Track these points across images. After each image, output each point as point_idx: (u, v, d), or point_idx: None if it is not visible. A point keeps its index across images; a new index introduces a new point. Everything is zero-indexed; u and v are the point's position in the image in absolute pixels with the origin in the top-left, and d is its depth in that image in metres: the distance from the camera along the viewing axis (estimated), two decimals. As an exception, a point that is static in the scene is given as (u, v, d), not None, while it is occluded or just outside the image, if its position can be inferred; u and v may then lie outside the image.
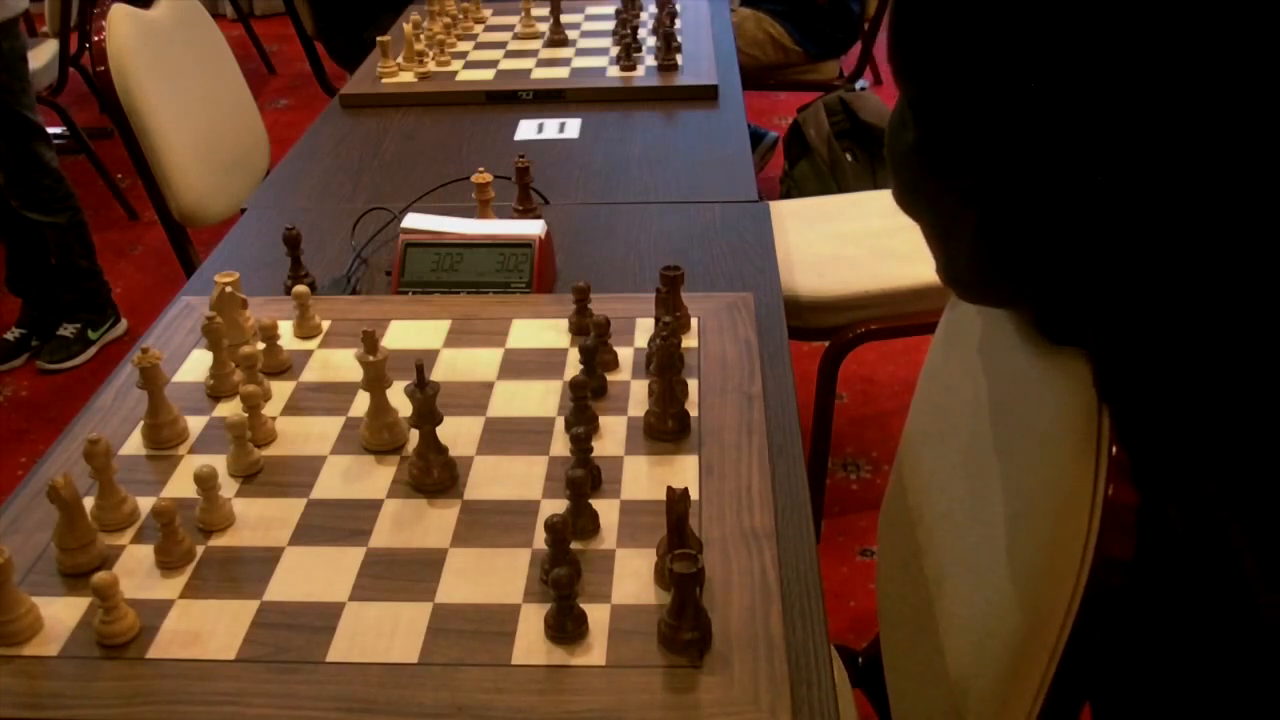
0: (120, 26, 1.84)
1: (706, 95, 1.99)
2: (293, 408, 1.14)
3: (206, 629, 0.87)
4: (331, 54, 3.43)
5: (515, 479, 1.02)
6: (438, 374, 1.18)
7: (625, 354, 1.19)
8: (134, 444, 1.08)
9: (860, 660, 1.35)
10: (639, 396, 1.12)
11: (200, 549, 0.95)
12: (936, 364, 1.13)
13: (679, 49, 2.13)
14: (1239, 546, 0.72)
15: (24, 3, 2.55)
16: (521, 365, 1.19)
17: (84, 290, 2.84)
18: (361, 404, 1.11)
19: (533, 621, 0.86)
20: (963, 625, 0.92)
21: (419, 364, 0.99)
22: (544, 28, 2.27)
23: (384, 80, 2.09)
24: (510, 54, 2.20)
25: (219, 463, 1.04)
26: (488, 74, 2.10)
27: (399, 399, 1.07)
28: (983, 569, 0.90)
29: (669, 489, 0.85)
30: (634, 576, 0.90)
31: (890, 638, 1.18)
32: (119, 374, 1.20)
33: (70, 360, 2.82)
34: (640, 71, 2.07)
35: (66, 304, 2.86)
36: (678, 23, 2.29)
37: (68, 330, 2.85)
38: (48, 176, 2.65)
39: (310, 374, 1.19)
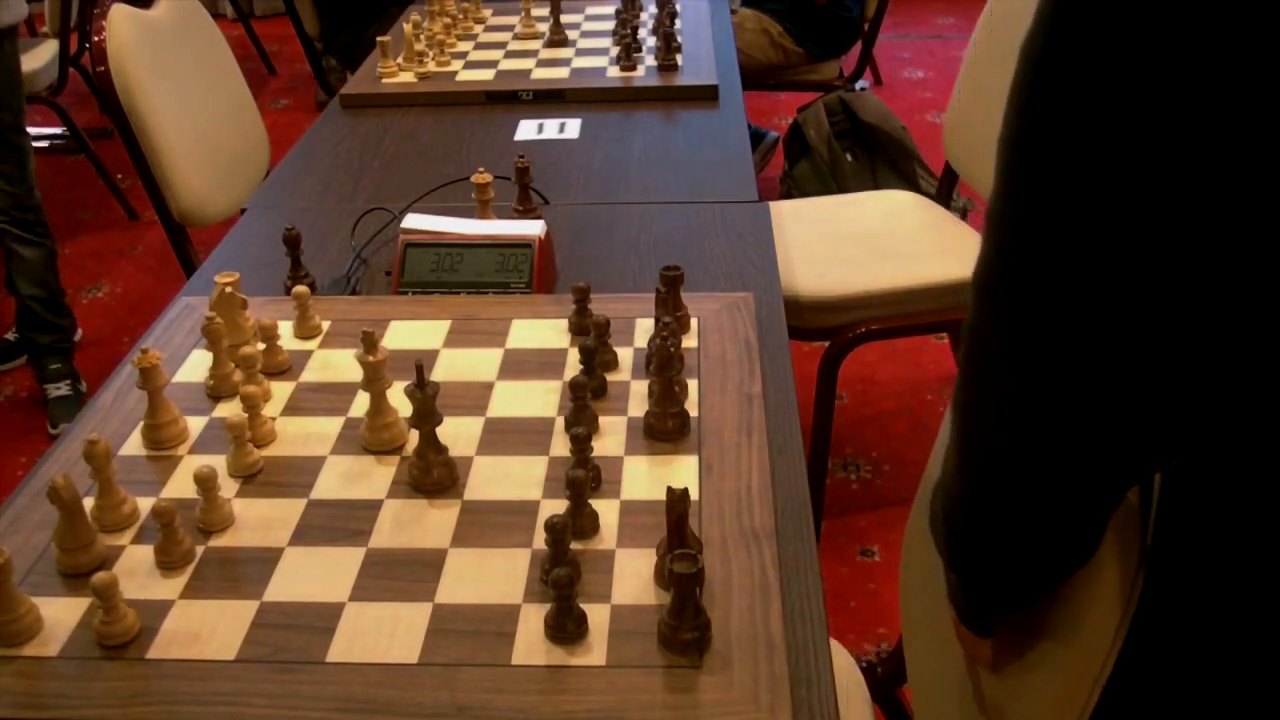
0: (120, 26, 1.84)
1: (706, 95, 1.99)
2: (293, 408, 1.14)
3: (206, 629, 0.87)
4: (333, 53, 3.43)
5: (515, 479, 1.02)
6: (438, 374, 1.18)
7: (625, 354, 1.19)
8: (134, 444, 1.08)
9: (879, 670, 1.32)
10: (639, 396, 1.12)
11: (200, 549, 0.95)
12: None
13: (679, 49, 2.13)
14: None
15: (24, 9, 2.54)
16: (521, 365, 1.19)
17: (56, 327, 2.67)
18: (361, 404, 1.11)
19: (533, 622, 0.86)
20: (1002, 651, 0.90)
21: (419, 364, 0.99)
22: (544, 28, 2.27)
23: (384, 80, 2.09)
24: (510, 54, 2.20)
25: (219, 463, 1.04)
26: (488, 74, 2.10)
27: (399, 399, 1.07)
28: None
29: (669, 489, 0.85)
30: (634, 576, 0.90)
31: (918, 660, 1.15)
32: (119, 374, 1.20)
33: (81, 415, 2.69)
34: (640, 71, 2.07)
35: (43, 349, 2.68)
36: (678, 23, 2.29)
37: (62, 389, 2.66)
38: (32, 197, 2.56)
39: (310, 374, 1.19)
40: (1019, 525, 0.74)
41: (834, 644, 1.25)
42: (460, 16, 2.35)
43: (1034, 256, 0.62)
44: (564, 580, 0.82)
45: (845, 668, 1.21)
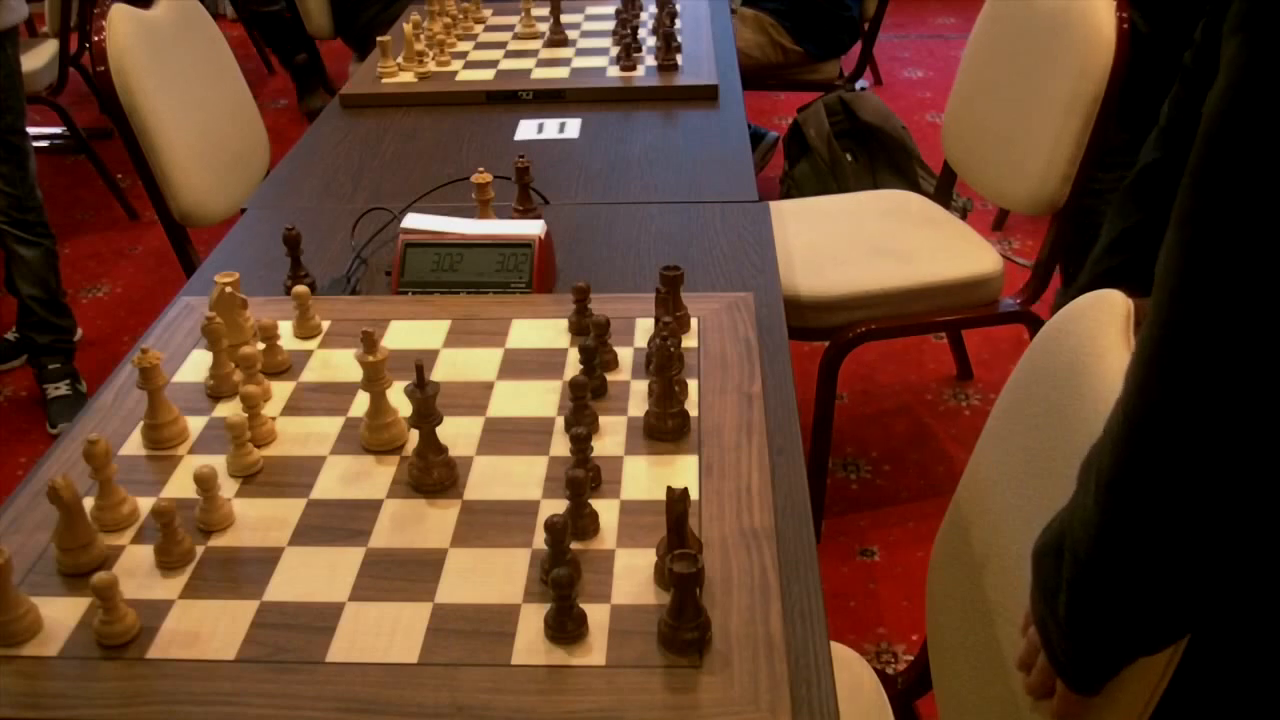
0: (120, 26, 1.84)
1: (706, 95, 1.99)
2: (292, 408, 1.14)
3: (206, 629, 0.87)
4: (346, 39, 3.45)
5: (515, 479, 1.02)
6: (438, 374, 1.18)
7: (625, 354, 1.19)
8: (134, 444, 1.08)
9: (899, 682, 1.31)
10: (639, 396, 1.12)
11: (200, 549, 0.95)
12: (1017, 399, 1.06)
13: (679, 49, 2.13)
14: None
15: (25, 10, 2.54)
16: (521, 365, 1.19)
17: (56, 328, 2.66)
18: (361, 404, 1.11)
19: (533, 621, 0.86)
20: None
21: (419, 364, 0.99)
22: (544, 28, 2.27)
23: (384, 80, 2.09)
24: (510, 54, 2.20)
25: (219, 463, 1.04)
26: (488, 74, 2.11)
27: (399, 399, 1.07)
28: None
29: (669, 489, 0.85)
30: (634, 576, 0.90)
31: (948, 680, 1.12)
32: (119, 374, 1.20)
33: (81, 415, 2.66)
34: (640, 71, 2.07)
35: (43, 349, 2.66)
36: (678, 23, 2.29)
37: (62, 389, 2.65)
38: (34, 198, 2.56)
39: (310, 374, 1.19)
40: (1159, 586, 0.72)
41: (857, 658, 1.24)
42: (460, 16, 2.35)
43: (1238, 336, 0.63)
44: (564, 580, 0.82)
45: (869, 685, 1.19)
